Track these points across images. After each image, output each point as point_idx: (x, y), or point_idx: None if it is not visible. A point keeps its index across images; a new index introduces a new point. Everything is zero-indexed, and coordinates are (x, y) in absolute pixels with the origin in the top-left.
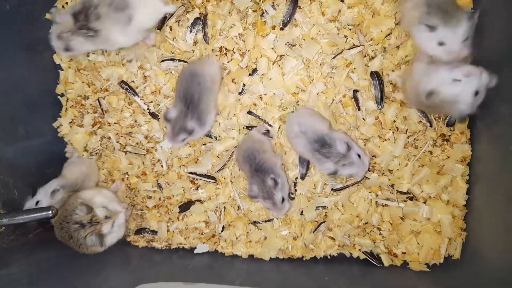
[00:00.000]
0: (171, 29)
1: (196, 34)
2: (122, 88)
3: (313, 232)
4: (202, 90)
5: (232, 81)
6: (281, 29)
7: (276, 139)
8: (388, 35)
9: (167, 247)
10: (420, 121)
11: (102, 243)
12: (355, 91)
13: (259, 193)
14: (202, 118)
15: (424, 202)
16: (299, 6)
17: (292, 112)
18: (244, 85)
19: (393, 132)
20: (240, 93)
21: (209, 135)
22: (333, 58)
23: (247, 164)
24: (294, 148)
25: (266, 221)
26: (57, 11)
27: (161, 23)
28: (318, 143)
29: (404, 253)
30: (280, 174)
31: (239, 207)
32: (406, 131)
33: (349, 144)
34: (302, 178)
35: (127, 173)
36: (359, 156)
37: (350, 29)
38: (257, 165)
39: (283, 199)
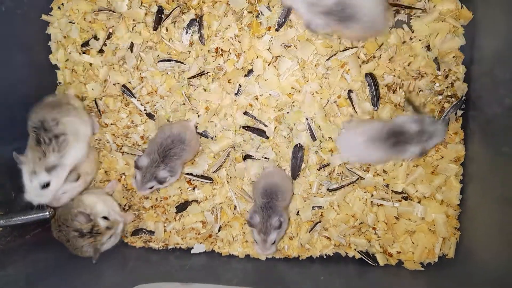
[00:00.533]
0: (167, 30)
1: (192, 35)
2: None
3: (309, 232)
4: (183, 152)
5: (228, 82)
6: (276, 30)
7: (272, 139)
8: (381, 45)
9: (164, 248)
10: None
11: (97, 254)
12: (350, 91)
13: (258, 224)
14: (174, 168)
15: (419, 202)
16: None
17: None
18: (240, 85)
19: None
20: (236, 94)
21: (205, 135)
22: (328, 59)
23: (265, 197)
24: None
25: None
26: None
27: (157, 24)
28: (392, 137)
29: (399, 252)
30: (286, 219)
31: (235, 207)
32: None
33: (418, 119)
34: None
35: (124, 173)
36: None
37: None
38: (273, 203)
39: (274, 241)
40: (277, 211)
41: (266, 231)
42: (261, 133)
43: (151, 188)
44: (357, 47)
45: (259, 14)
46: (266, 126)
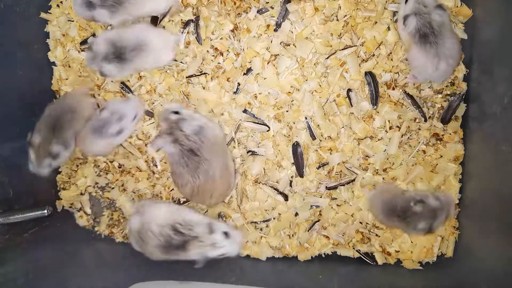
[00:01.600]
0: (164, 28)
1: (187, 35)
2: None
3: (308, 231)
4: (72, 122)
5: (227, 80)
6: (275, 30)
7: (272, 137)
8: (380, 43)
9: None
10: (415, 119)
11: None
12: (349, 90)
13: None
14: (67, 141)
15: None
16: (293, 7)
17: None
18: (239, 84)
19: (386, 131)
20: (235, 92)
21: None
22: (327, 58)
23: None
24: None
25: (263, 221)
26: None
27: (154, 23)
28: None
29: (398, 251)
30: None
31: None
32: (400, 130)
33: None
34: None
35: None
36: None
37: (343, 28)
38: None
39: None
40: None
41: None
42: (260, 126)
43: (50, 165)
44: (356, 45)
45: (258, 12)
46: (266, 125)
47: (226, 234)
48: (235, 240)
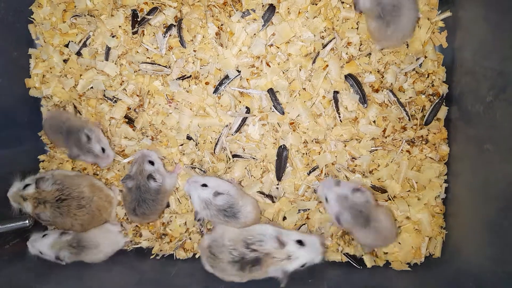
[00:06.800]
0: (143, 33)
1: (168, 38)
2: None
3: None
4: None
5: (206, 84)
6: (259, 31)
7: (259, 137)
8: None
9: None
10: (399, 119)
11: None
12: (336, 92)
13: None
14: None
15: (405, 202)
16: (277, 10)
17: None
18: (221, 84)
19: (371, 133)
20: (214, 92)
21: (188, 137)
22: (313, 62)
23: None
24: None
25: None
26: None
27: (134, 27)
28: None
29: (386, 253)
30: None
31: None
32: (385, 131)
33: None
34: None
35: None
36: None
37: (326, 31)
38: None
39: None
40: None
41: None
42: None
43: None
44: (334, 38)
45: (241, 16)
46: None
47: (300, 242)
48: (313, 245)
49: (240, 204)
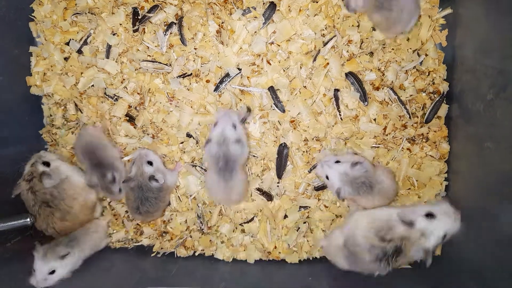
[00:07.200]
0: (144, 31)
1: (169, 36)
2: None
3: (296, 232)
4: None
5: (207, 81)
6: (260, 29)
7: (260, 135)
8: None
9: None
10: (400, 117)
11: None
12: (336, 90)
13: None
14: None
15: (405, 200)
16: (277, 8)
17: None
18: (221, 82)
19: (372, 130)
20: (215, 90)
21: (188, 135)
22: (314, 60)
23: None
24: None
25: (247, 222)
26: None
27: (135, 25)
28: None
29: None
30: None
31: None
32: (386, 129)
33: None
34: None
35: None
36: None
37: (326, 29)
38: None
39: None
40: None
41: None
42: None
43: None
44: (335, 35)
45: (242, 14)
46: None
47: (430, 215)
48: (445, 214)
49: (377, 174)
